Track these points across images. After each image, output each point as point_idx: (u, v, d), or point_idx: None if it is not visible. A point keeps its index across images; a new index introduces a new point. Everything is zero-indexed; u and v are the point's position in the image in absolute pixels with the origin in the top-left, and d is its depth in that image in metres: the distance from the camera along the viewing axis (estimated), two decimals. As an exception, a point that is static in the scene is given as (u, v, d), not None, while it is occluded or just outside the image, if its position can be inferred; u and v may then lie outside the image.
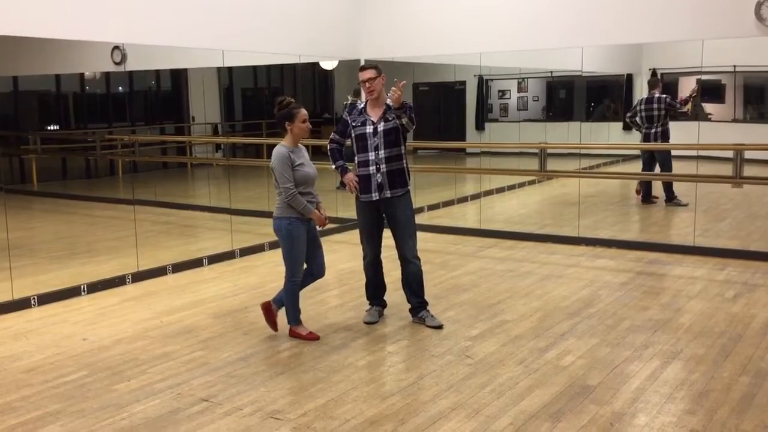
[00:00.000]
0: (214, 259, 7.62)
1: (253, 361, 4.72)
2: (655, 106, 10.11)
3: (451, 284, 6.56)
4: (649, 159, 10.29)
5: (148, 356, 4.84)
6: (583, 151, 11.03)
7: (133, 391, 4.25)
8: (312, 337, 5.11)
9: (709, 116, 12.87)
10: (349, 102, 11.78)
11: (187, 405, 4.04)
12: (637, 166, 11.45)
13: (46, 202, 11.76)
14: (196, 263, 7.47)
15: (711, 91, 12.91)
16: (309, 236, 5.09)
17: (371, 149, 5.23)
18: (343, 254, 7.74)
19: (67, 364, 4.71)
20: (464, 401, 4.02)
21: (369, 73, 5.21)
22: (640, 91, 12.53)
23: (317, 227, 5.16)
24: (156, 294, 6.49)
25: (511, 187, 12.48)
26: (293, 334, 5.16)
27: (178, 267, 7.27)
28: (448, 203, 11.03)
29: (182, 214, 10.72)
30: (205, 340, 5.15)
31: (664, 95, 10.20)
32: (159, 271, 7.11)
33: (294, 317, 5.18)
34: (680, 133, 10.88)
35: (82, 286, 6.46)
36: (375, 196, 5.27)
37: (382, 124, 5.23)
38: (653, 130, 10.15)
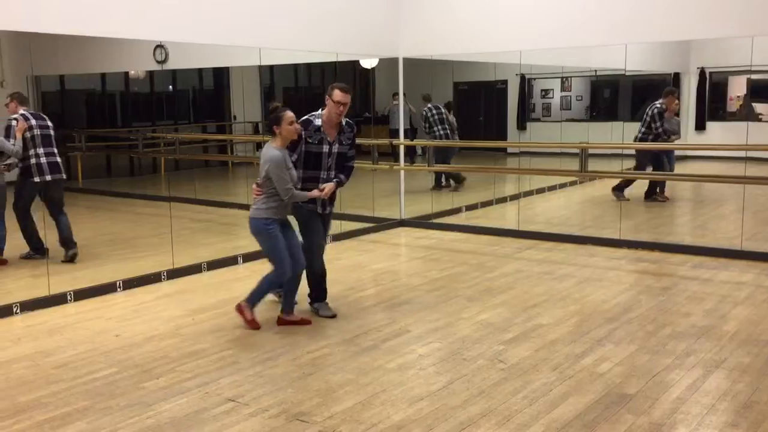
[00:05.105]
0: (250, 257, 7.59)
1: (281, 360, 4.67)
2: (648, 111, 10.20)
3: (485, 286, 6.43)
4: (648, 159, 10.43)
5: (179, 354, 4.83)
6: (626, 152, 10.77)
7: (162, 389, 4.24)
8: (253, 326, 5.27)
9: (760, 116, 12.46)
10: (429, 107, 11.89)
11: (213, 405, 4.01)
12: (682, 167, 11.16)
13: (91, 199, 11.92)
14: (231, 261, 7.47)
15: (762, 90, 12.49)
16: (287, 233, 5.33)
17: (324, 168, 5.43)
18: (378, 254, 7.65)
19: (98, 361, 4.73)
20: (495, 408, 3.90)
21: (347, 99, 5.32)
22: (688, 90, 12.21)
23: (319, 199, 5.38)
24: (190, 291, 6.51)
25: (552, 188, 12.25)
26: (238, 310, 5.35)
27: (213, 265, 7.29)
28: (486, 203, 10.86)
29: (221, 212, 10.78)
30: (235, 338, 5.13)
31: (659, 103, 10.19)
32: (194, 269, 7.12)
33: (254, 300, 5.34)
34: (728, 134, 10.57)
35: (118, 283, 6.51)
36: (320, 210, 5.54)
37: (337, 146, 5.44)
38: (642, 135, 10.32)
